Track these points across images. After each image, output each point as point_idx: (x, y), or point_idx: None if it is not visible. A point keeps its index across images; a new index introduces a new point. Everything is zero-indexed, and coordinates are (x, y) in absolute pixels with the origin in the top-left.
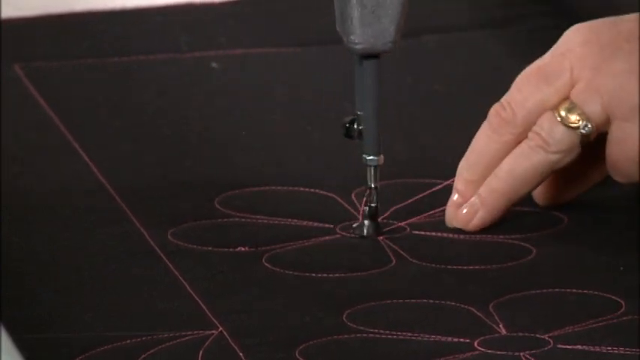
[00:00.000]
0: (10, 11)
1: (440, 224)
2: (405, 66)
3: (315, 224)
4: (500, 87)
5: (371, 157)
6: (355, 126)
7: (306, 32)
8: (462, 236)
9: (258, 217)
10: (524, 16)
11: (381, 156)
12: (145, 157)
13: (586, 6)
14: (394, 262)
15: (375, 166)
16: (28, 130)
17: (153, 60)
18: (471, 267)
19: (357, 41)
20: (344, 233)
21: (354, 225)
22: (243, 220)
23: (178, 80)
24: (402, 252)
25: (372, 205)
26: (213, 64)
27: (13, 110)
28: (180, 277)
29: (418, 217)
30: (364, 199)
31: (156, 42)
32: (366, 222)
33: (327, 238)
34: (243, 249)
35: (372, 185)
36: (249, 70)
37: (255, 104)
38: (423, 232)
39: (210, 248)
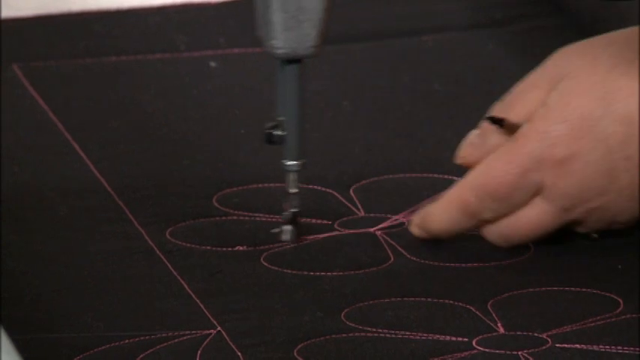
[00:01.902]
0: (9, 11)
1: None
2: (404, 65)
3: (314, 221)
4: (499, 87)
5: (291, 163)
6: (277, 131)
7: None
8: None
9: (256, 214)
10: (524, 16)
11: (302, 161)
12: (143, 156)
13: (586, 6)
14: (392, 259)
15: (295, 172)
16: (26, 129)
17: (151, 60)
18: (469, 264)
19: (278, 46)
20: (342, 229)
21: (274, 230)
22: (241, 218)
23: (177, 80)
24: (400, 249)
25: (293, 210)
26: (212, 64)
27: (12, 110)
28: (178, 277)
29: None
30: (285, 204)
31: (154, 42)
32: (287, 227)
33: (325, 234)
34: (241, 248)
35: (292, 190)
36: (247, 70)
37: (254, 103)
38: None
39: (208, 248)
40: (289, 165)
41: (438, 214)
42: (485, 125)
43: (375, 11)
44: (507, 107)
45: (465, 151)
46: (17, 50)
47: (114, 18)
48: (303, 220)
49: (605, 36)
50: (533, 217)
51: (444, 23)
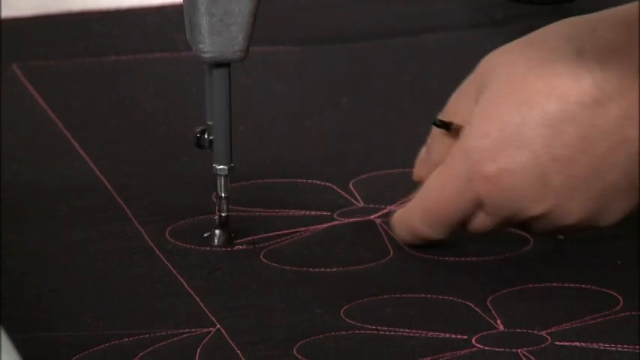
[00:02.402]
0: (9, 11)
1: None
2: (404, 65)
3: (313, 213)
4: None
5: (221, 167)
6: (206, 136)
7: (302, 31)
8: None
9: (256, 210)
10: (524, 16)
11: (231, 165)
12: (142, 154)
13: (586, 6)
14: (392, 254)
15: (225, 176)
16: (26, 129)
17: (150, 59)
18: (469, 258)
19: (205, 50)
20: (342, 219)
21: (205, 235)
22: (240, 214)
23: (176, 79)
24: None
25: (223, 214)
26: None
27: (12, 110)
28: (177, 275)
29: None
30: (217, 208)
31: (153, 41)
32: (217, 231)
33: (324, 225)
34: (240, 247)
35: (222, 195)
36: (245, 68)
37: (252, 100)
38: None
39: (207, 248)
40: (219, 169)
41: (397, 229)
42: (430, 140)
43: (375, 11)
44: (445, 116)
45: (417, 168)
46: (17, 50)
47: (114, 18)
48: (303, 212)
49: (526, 38)
50: (478, 227)
51: (444, 23)
